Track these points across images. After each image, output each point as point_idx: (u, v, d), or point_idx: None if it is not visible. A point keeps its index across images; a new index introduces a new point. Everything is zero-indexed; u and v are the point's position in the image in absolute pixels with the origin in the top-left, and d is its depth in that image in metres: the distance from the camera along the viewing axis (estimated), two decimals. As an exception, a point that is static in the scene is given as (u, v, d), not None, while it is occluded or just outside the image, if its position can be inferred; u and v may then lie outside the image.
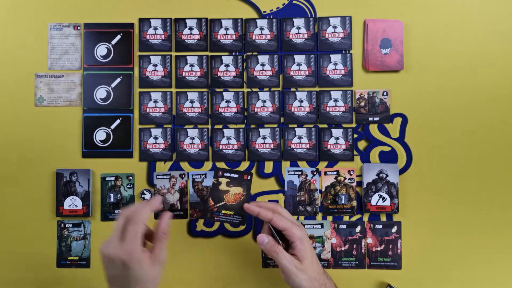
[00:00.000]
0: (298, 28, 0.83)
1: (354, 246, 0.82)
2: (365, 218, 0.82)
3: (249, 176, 0.71)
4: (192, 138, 0.83)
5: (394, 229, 0.81)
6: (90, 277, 0.82)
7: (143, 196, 0.82)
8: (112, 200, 0.81)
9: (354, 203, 0.82)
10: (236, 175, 0.71)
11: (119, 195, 0.82)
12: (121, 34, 0.84)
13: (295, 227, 0.65)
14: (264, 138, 0.82)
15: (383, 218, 0.82)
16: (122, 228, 0.56)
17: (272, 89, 0.83)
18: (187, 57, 0.83)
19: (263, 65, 0.83)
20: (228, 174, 0.70)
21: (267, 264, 0.82)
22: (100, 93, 0.83)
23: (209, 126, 0.83)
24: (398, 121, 0.82)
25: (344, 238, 0.82)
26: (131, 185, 0.83)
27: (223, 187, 0.70)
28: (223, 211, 0.70)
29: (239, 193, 0.70)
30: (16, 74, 0.84)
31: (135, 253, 0.55)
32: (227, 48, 0.84)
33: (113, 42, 0.84)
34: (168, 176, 0.83)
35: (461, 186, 0.81)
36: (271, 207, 0.68)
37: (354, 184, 0.82)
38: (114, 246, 0.55)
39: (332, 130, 0.82)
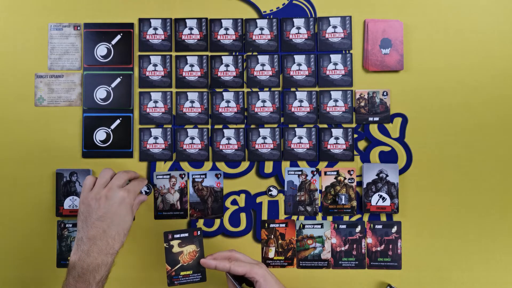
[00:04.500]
0: (298, 28, 0.83)
1: (354, 246, 0.82)
2: (365, 218, 0.82)
3: (198, 232, 0.71)
4: (192, 138, 0.83)
5: (394, 229, 0.81)
6: (90, 277, 0.82)
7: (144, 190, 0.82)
8: (112, 200, 0.81)
9: (354, 203, 0.82)
10: (186, 234, 0.70)
11: (119, 195, 0.82)
12: (121, 34, 0.84)
13: (254, 267, 0.66)
14: (264, 138, 0.82)
15: (383, 218, 0.82)
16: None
17: (272, 89, 0.83)
18: (187, 57, 0.83)
19: (263, 65, 0.83)
20: (178, 235, 0.70)
21: (267, 265, 0.82)
22: (100, 93, 0.83)
23: (209, 126, 0.83)
24: (398, 121, 0.83)
25: (344, 238, 0.82)
26: (131, 185, 0.82)
27: (175, 249, 0.70)
28: (182, 273, 0.69)
29: (193, 251, 0.70)
30: (16, 74, 0.84)
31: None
32: (227, 48, 0.84)
33: (113, 42, 0.84)
34: (168, 176, 0.83)
35: (461, 186, 0.81)
36: (227, 256, 0.69)
37: (354, 184, 0.82)
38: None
39: (332, 130, 0.82)
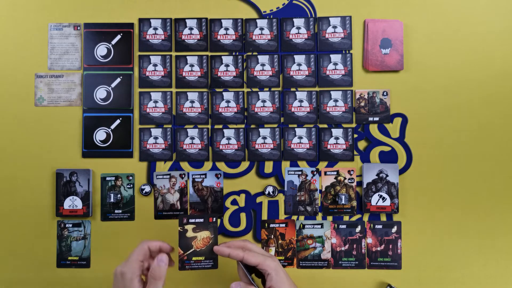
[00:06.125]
0: (298, 28, 0.83)
1: (354, 246, 0.82)
2: (365, 218, 0.82)
3: (214, 219, 0.69)
4: (192, 138, 0.83)
5: (394, 229, 0.81)
6: (90, 277, 0.82)
7: (143, 190, 0.82)
8: (112, 200, 0.81)
9: (354, 203, 0.82)
10: (201, 220, 0.69)
11: (119, 195, 0.82)
12: (121, 34, 0.84)
13: (267, 260, 0.65)
14: (264, 138, 0.82)
15: (383, 218, 0.82)
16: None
17: (272, 89, 0.83)
18: (187, 57, 0.83)
19: (263, 65, 0.83)
20: (193, 220, 0.69)
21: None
22: (100, 93, 0.83)
23: (209, 126, 0.83)
24: (398, 121, 0.83)
25: (344, 238, 0.82)
26: (131, 185, 0.83)
27: (190, 234, 0.69)
28: (194, 258, 0.68)
29: (207, 237, 0.69)
30: (16, 74, 0.84)
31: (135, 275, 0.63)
32: (227, 48, 0.84)
33: (113, 42, 0.84)
34: (168, 176, 0.83)
35: (461, 186, 0.81)
36: (241, 245, 0.68)
37: (354, 184, 0.82)
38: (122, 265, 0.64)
39: (332, 130, 0.82)
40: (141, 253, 0.64)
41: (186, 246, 0.69)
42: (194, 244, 0.69)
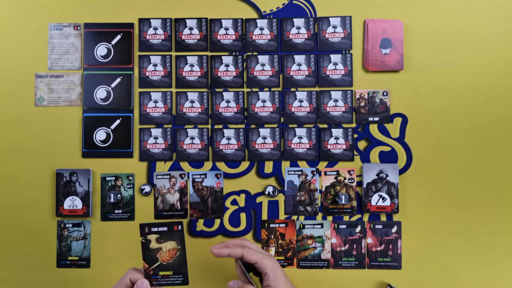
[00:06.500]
0: (298, 28, 0.83)
1: (354, 246, 0.82)
2: (365, 218, 0.82)
3: (179, 227, 0.61)
4: (192, 138, 0.83)
5: (394, 229, 0.81)
6: (90, 277, 0.82)
7: (143, 190, 0.82)
8: (112, 200, 0.81)
9: (354, 203, 0.82)
10: (165, 228, 0.61)
11: (119, 195, 0.82)
12: (121, 34, 0.84)
13: (265, 259, 0.64)
14: (264, 138, 0.82)
15: (383, 218, 0.82)
16: None
17: (272, 89, 0.83)
18: (187, 57, 0.83)
19: (263, 65, 0.83)
20: (155, 229, 0.61)
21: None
22: (100, 93, 0.83)
23: (209, 126, 0.83)
24: (398, 121, 0.83)
25: (344, 238, 0.82)
26: (131, 185, 0.83)
27: (153, 244, 0.61)
28: (161, 273, 0.61)
29: (173, 248, 0.62)
30: (16, 74, 0.84)
31: None
32: (227, 48, 0.84)
33: (113, 42, 0.84)
34: (168, 176, 0.83)
35: (461, 186, 0.81)
36: (239, 244, 0.66)
37: (354, 184, 0.82)
38: None
39: (332, 130, 0.82)
40: (122, 286, 0.62)
41: (150, 259, 0.61)
42: (160, 256, 0.62)
